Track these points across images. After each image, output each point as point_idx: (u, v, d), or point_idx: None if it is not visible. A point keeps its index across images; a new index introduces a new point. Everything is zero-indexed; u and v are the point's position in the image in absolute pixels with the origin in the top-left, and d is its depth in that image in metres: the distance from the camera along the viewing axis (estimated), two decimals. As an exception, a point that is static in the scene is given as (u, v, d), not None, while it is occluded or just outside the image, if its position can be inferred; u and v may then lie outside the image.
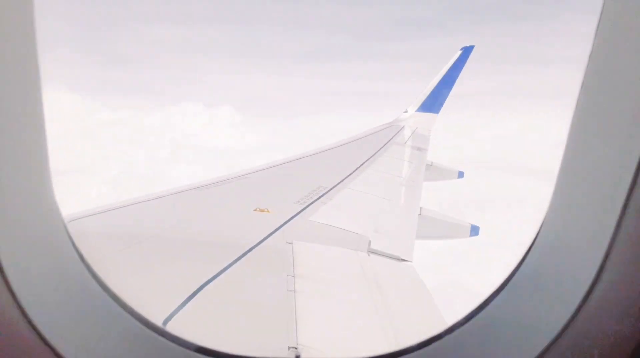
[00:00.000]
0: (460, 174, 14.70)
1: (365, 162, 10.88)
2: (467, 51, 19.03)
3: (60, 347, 1.26)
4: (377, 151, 12.51)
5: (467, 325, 1.43)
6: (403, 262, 5.39)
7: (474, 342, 1.41)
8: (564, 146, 1.28)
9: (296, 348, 2.92)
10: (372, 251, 5.40)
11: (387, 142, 14.27)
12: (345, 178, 8.85)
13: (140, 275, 3.72)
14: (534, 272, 1.37)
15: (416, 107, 19.28)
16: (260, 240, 4.84)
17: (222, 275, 3.77)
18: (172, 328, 2.85)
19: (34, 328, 1.23)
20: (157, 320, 2.87)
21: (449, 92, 18.87)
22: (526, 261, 1.38)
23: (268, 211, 5.96)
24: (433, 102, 18.99)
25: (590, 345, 1.19)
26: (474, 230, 9.42)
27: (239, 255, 4.27)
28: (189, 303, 3.20)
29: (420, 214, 8.46)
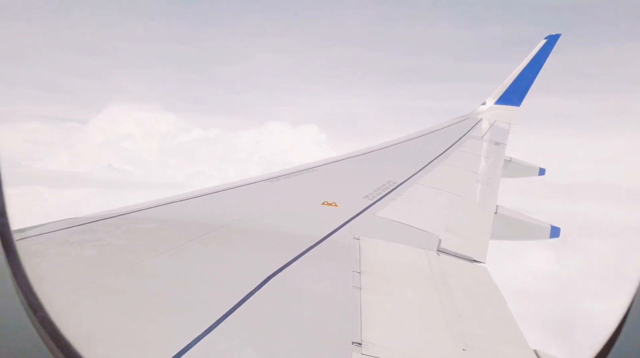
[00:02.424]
0: (541, 172, 13.85)
1: (438, 156, 10.55)
2: (552, 40, 17.81)
3: None
4: (452, 145, 12.09)
5: None
6: (475, 263, 5.15)
7: None
8: None
9: (360, 344, 2.88)
10: (441, 251, 5.22)
11: (463, 135, 13.75)
12: (417, 173, 8.63)
13: (209, 263, 3.85)
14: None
15: (495, 100, 18.41)
16: (326, 234, 4.84)
17: (288, 268, 3.81)
18: (239, 316, 2.92)
19: None
20: (224, 308, 2.96)
21: (531, 84, 17.80)
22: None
23: (336, 205, 5.95)
24: (513, 95, 18.00)
25: None
26: (555, 232, 8.80)
27: (305, 249, 4.30)
28: (255, 294, 3.26)
29: (496, 212, 8.06)
